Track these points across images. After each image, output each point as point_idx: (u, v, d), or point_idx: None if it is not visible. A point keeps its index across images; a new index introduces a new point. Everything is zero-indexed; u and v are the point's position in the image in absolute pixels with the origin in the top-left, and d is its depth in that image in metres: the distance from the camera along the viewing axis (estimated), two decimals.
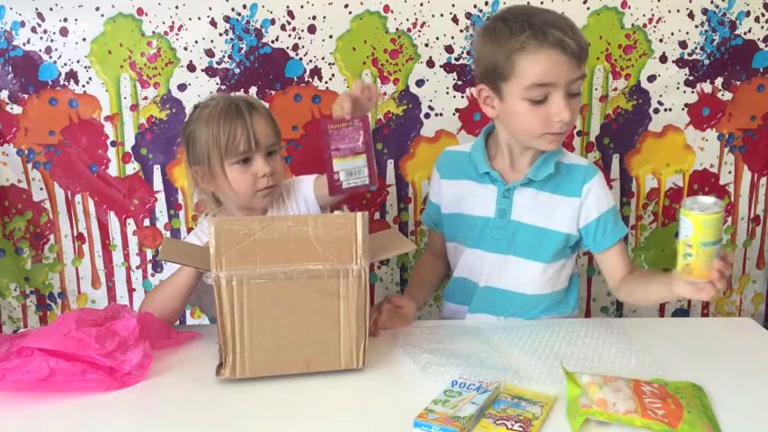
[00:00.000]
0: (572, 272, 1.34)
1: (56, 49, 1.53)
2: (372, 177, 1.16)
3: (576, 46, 1.12)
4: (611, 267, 1.27)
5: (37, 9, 1.51)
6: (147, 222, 1.65)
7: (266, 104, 1.36)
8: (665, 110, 1.61)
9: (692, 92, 1.60)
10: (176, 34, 1.53)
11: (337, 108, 1.16)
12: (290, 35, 1.54)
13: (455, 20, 1.54)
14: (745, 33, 1.57)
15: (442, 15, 1.54)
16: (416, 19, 1.54)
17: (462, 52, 1.56)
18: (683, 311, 1.76)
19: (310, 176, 1.34)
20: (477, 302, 1.32)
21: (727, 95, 1.61)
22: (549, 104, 1.14)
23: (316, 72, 1.56)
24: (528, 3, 1.52)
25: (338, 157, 1.14)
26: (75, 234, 1.65)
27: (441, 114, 1.60)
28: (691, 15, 1.55)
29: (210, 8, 1.52)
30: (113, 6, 1.51)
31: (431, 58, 1.56)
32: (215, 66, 1.55)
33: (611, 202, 1.26)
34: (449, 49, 1.56)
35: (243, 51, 1.54)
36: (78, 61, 1.54)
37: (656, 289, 1.13)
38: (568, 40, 1.11)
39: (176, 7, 1.51)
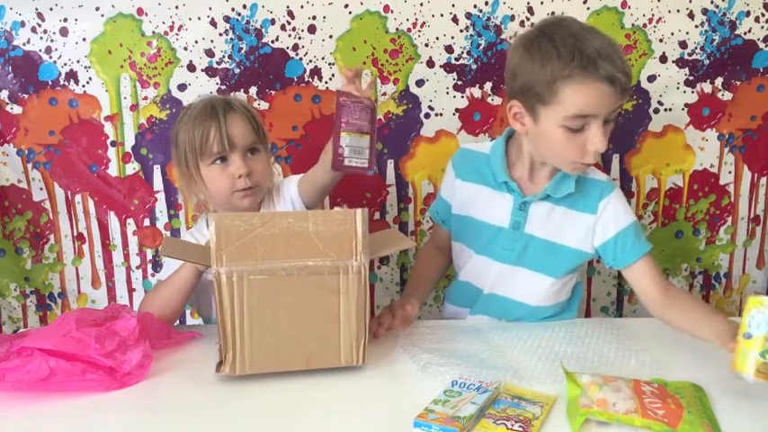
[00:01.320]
0: (576, 281, 1.33)
1: (56, 49, 1.53)
2: (372, 162, 1.16)
3: (625, 78, 1.07)
4: (638, 285, 1.21)
5: (37, 9, 1.51)
6: (147, 222, 1.65)
7: (258, 104, 1.34)
8: (665, 110, 1.61)
9: (692, 92, 1.60)
10: (176, 34, 1.53)
11: (350, 86, 1.16)
12: (290, 35, 1.54)
13: (455, 20, 1.54)
14: (745, 33, 1.57)
15: (441, 15, 1.54)
16: (416, 19, 1.54)
17: (462, 52, 1.56)
18: None
19: (296, 176, 1.33)
20: (479, 307, 1.31)
21: (728, 95, 1.61)
22: (587, 134, 1.10)
23: (316, 72, 1.56)
24: (529, 6, 1.52)
25: (346, 130, 1.14)
26: (75, 234, 1.65)
27: (441, 114, 1.60)
28: (691, 15, 1.55)
29: (210, 8, 1.52)
30: (113, 6, 1.51)
31: (431, 58, 1.56)
32: (215, 66, 1.55)
33: (631, 218, 1.21)
34: (449, 49, 1.56)
35: (243, 51, 1.54)
36: (78, 61, 1.54)
37: (705, 335, 1.05)
38: (618, 74, 1.05)
39: (176, 7, 1.51)
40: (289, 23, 1.53)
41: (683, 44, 1.57)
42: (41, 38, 1.52)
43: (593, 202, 1.21)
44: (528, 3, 1.53)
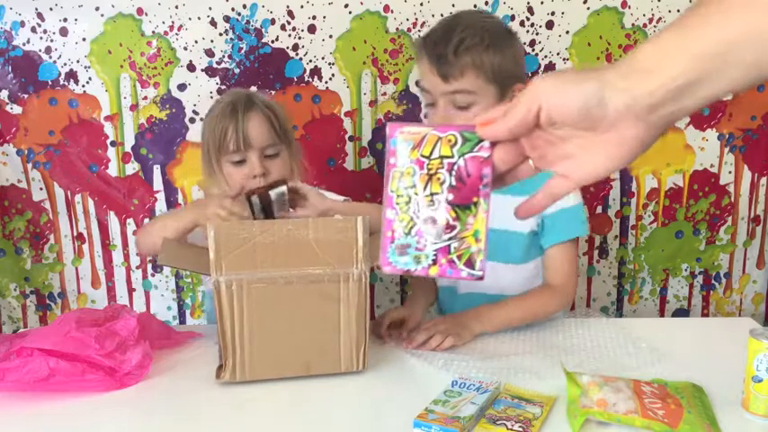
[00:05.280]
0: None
1: (56, 49, 1.53)
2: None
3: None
4: (544, 267, 1.26)
5: (37, 9, 1.51)
6: (146, 222, 1.65)
7: (276, 104, 1.32)
8: None
9: None
10: (176, 34, 1.53)
11: None
12: (290, 35, 1.54)
13: None
14: None
15: (441, 15, 1.53)
16: (416, 19, 1.54)
17: None
18: (683, 311, 1.76)
19: (340, 199, 1.31)
20: (460, 310, 1.31)
21: (728, 95, 1.60)
22: None
23: (316, 72, 1.56)
24: (529, 6, 1.53)
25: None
26: (75, 234, 1.65)
27: None
28: None
29: (210, 8, 1.52)
30: (113, 6, 1.51)
31: None
32: (215, 66, 1.55)
33: (576, 201, 1.23)
34: None
35: (243, 51, 1.54)
36: (78, 61, 1.54)
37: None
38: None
39: (176, 7, 1.51)
40: (289, 23, 1.53)
41: None
42: (41, 38, 1.52)
43: (538, 183, 1.21)
44: (528, 3, 1.53)
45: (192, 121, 1.58)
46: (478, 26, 1.18)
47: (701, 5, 0.50)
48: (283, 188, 1.16)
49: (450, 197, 0.56)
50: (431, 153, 0.56)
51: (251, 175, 1.22)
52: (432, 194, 0.57)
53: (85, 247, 1.66)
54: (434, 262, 0.57)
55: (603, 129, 0.52)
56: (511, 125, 0.53)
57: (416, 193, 0.57)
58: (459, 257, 0.57)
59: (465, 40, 1.15)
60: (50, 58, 1.54)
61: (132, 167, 1.61)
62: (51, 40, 1.52)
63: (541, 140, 0.55)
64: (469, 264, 0.58)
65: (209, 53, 1.54)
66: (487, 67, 1.16)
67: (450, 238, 0.57)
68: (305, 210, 1.18)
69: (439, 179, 0.56)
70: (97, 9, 1.51)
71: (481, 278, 0.58)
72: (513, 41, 1.23)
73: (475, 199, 0.57)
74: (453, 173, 0.56)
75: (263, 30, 1.53)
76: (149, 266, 1.68)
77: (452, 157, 0.56)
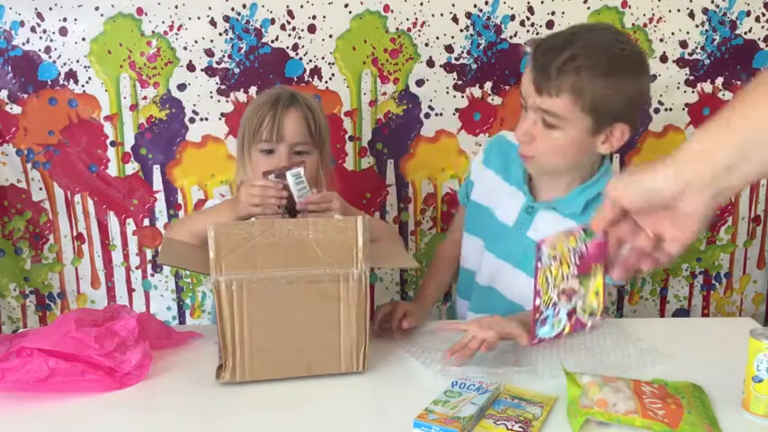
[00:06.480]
0: None
1: (55, 49, 1.53)
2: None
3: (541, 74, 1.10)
4: None
5: (36, 9, 1.50)
6: (146, 222, 1.65)
7: (319, 107, 1.32)
8: (666, 110, 1.61)
9: (693, 92, 1.60)
10: (176, 34, 1.53)
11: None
12: (289, 35, 1.54)
13: (455, 20, 1.54)
14: (745, 33, 1.57)
15: (441, 15, 1.54)
16: (416, 19, 1.54)
17: (462, 52, 1.56)
18: (683, 311, 1.76)
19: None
20: (476, 299, 1.32)
21: (728, 95, 1.61)
22: None
23: (316, 72, 1.56)
24: (529, 6, 1.52)
25: None
26: (75, 234, 1.65)
27: (441, 114, 1.60)
28: (691, 15, 1.55)
29: (210, 8, 1.51)
30: (113, 6, 1.51)
31: (431, 57, 1.56)
32: (215, 65, 1.55)
33: None
34: (449, 49, 1.56)
35: (243, 51, 1.54)
36: (78, 61, 1.54)
37: None
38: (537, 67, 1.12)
39: (176, 7, 1.51)
40: (288, 23, 1.53)
41: (683, 44, 1.57)
42: (41, 38, 1.52)
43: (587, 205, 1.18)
44: (528, 2, 1.53)
45: (192, 121, 1.58)
46: (601, 48, 1.06)
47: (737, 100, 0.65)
48: (300, 169, 1.16)
49: (576, 272, 0.76)
50: (562, 247, 0.76)
51: (278, 167, 1.22)
52: (563, 275, 0.76)
53: (85, 247, 1.66)
54: (567, 323, 0.76)
55: (673, 207, 0.68)
56: (606, 220, 0.73)
57: (554, 278, 0.77)
58: (585, 312, 0.76)
59: (576, 59, 1.04)
60: (50, 57, 1.53)
61: (132, 167, 1.61)
62: (51, 40, 1.52)
63: (647, 219, 0.72)
64: (593, 314, 0.77)
65: (209, 53, 1.54)
66: (588, 96, 1.05)
67: (574, 303, 0.77)
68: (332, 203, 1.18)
69: (567, 263, 0.76)
70: (97, 9, 1.51)
71: (596, 326, 0.79)
72: (637, 78, 1.10)
73: (593, 265, 0.76)
74: (578, 255, 0.76)
75: (263, 29, 1.53)
76: (149, 266, 1.68)
77: (577, 245, 0.76)
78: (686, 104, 1.61)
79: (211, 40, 1.53)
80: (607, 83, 1.05)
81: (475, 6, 1.53)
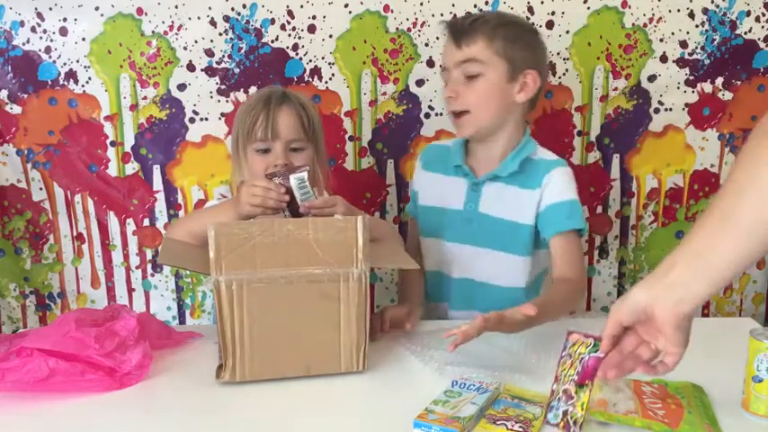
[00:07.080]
0: (543, 268, 1.35)
1: (55, 49, 1.53)
2: None
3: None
4: (552, 259, 1.25)
5: (36, 9, 1.51)
6: (146, 222, 1.65)
7: (311, 104, 1.34)
8: (666, 110, 1.61)
9: (693, 92, 1.60)
10: (176, 34, 1.53)
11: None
12: (289, 35, 1.54)
13: None
14: (745, 33, 1.57)
15: (441, 15, 1.54)
16: (416, 19, 1.54)
17: None
18: None
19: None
20: (455, 297, 1.33)
21: (728, 95, 1.61)
22: None
23: (316, 72, 1.56)
24: (529, 6, 1.52)
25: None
26: (75, 234, 1.65)
27: (441, 114, 1.60)
28: (691, 15, 1.55)
29: (210, 8, 1.51)
30: (113, 6, 1.51)
31: (431, 57, 1.56)
32: (215, 65, 1.55)
33: (572, 195, 1.26)
34: None
35: (243, 51, 1.54)
36: (78, 61, 1.54)
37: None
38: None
39: (176, 7, 1.51)
40: (288, 23, 1.53)
41: (683, 44, 1.57)
42: (41, 37, 1.52)
43: (539, 179, 1.27)
44: (528, 2, 1.53)
45: (192, 121, 1.58)
46: (502, 15, 1.34)
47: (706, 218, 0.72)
48: (304, 174, 1.16)
49: (576, 378, 0.84)
50: (576, 349, 0.85)
51: (273, 164, 1.24)
52: (569, 376, 0.85)
53: (85, 247, 1.66)
54: (561, 420, 0.84)
55: (652, 317, 0.75)
56: (610, 338, 0.80)
57: (565, 374, 0.86)
58: (571, 418, 0.83)
59: (485, 18, 1.27)
60: (50, 57, 1.53)
61: (132, 167, 1.61)
62: (51, 40, 1.52)
63: (646, 333, 0.79)
64: (575, 423, 0.83)
65: (209, 53, 1.54)
66: (499, 41, 1.24)
67: (568, 405, 0.84)
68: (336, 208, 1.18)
69: (575, 366, 0.84)
70: (97, 9, 1.51)
71: None
72: (533, 36, 1.31)
73: (587, 382, 0.83)
74: (582, 363, 0.84)
75: (263, 29, 1.53)
76: (149, 266, 1.68)
77: (585, 354, 0.84)
78: (686, 104, 1.61)
79: (211, 40, 1.53)
80: (509, 32, 1.26)
81: (475, 6, 1.53)
